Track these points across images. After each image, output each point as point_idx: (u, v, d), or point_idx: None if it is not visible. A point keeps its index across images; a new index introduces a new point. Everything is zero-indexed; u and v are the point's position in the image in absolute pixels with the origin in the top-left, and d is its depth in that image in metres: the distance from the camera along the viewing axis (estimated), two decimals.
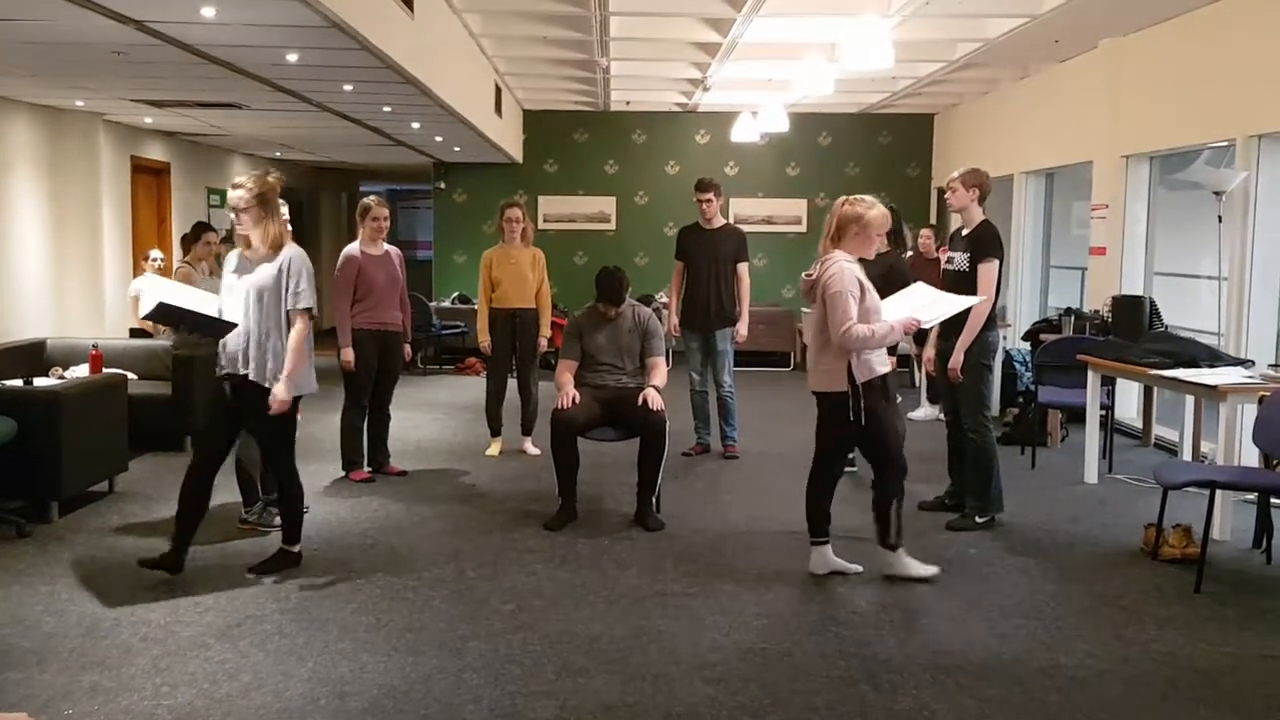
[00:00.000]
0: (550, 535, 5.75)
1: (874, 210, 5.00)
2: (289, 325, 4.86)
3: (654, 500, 6.04)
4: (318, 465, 7.27)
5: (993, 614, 4.64)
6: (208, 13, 5.49)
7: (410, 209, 20.64)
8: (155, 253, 9.12)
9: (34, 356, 7.42)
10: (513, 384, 7.73)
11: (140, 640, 4.20)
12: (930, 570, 5.04)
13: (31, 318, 9.08)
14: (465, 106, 9.48)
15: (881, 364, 4.99)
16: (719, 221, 7.83)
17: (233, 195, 4.90)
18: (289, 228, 5.89)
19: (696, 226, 7.88)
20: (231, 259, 5.05)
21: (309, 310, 4.88)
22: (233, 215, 4.93)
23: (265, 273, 4.87)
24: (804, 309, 12.98)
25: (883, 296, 6.84)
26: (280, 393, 4.82)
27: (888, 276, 6.90)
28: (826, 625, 4.48)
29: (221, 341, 4.92)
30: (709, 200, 7.73)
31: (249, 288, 4.87)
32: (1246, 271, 7.28)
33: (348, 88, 8.12)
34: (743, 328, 7.75)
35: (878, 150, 14.30)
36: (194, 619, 4.44)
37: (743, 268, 7.74)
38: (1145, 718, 3.70)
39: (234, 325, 4.85)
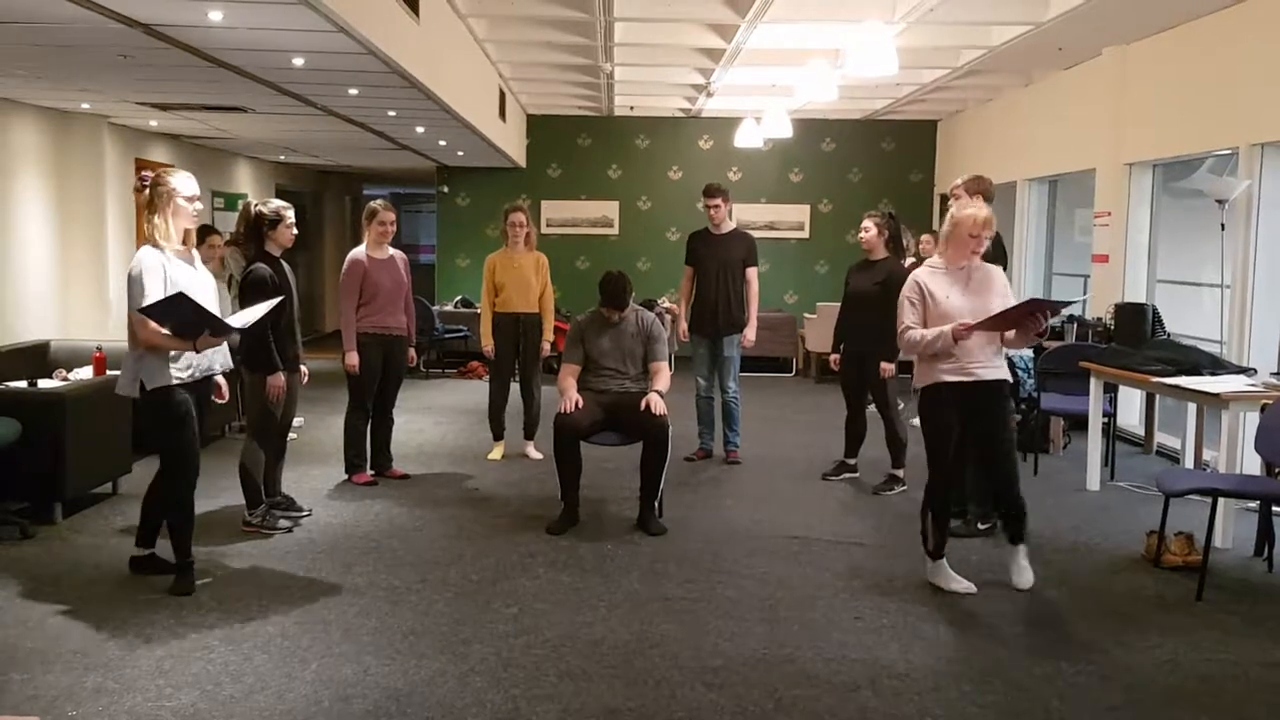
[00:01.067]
0: (553, 539, 5.76)
1: (965, 210, 4.89)
2: None
3: (656, 505, 6.04)
4: (321, 469, 7.29)
5: (994, 620, 4.64)
6: (215, 16, 5.51)
7: (413, 213, 20.68)
8: None
9: (38, 358, 7.44)
10: (515, 388, 7.75)
11: (144, 642, 4.21)
12: (963, 586, 4.97)
13: (35, 319, 9.09)
14: (469, 111, 9.50)
15: (953, 374, 4.85)
16: (728, 226, 7.83)
17: (196, 188, 4.81)
18: (294, 231, 5.94)
19: (705, 232, 7.88)
20: (166, 255, 4.67)
21: None
22: (196, 205, 4.76)
23: (205, 271, 4.91)
24: (807, 315, 13.00)
25: (879, 305, 6.90)
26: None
27: (886, 283, 6.93)
28: (829, 630, 4.48)
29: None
30: (716, 206, 7.73)
31: (211, 288, 4.84)
32: (1249, 279, 7.29)
33: (353, 92, 8.14)
34: (750, 333, 7.75)
35: (881, 156, 14.32)
36: (197, 621, 4.45)
37: (751, 272, 7.74)
38: None
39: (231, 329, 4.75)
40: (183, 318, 4.53)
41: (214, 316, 4.61)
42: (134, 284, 4.58)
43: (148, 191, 4.73)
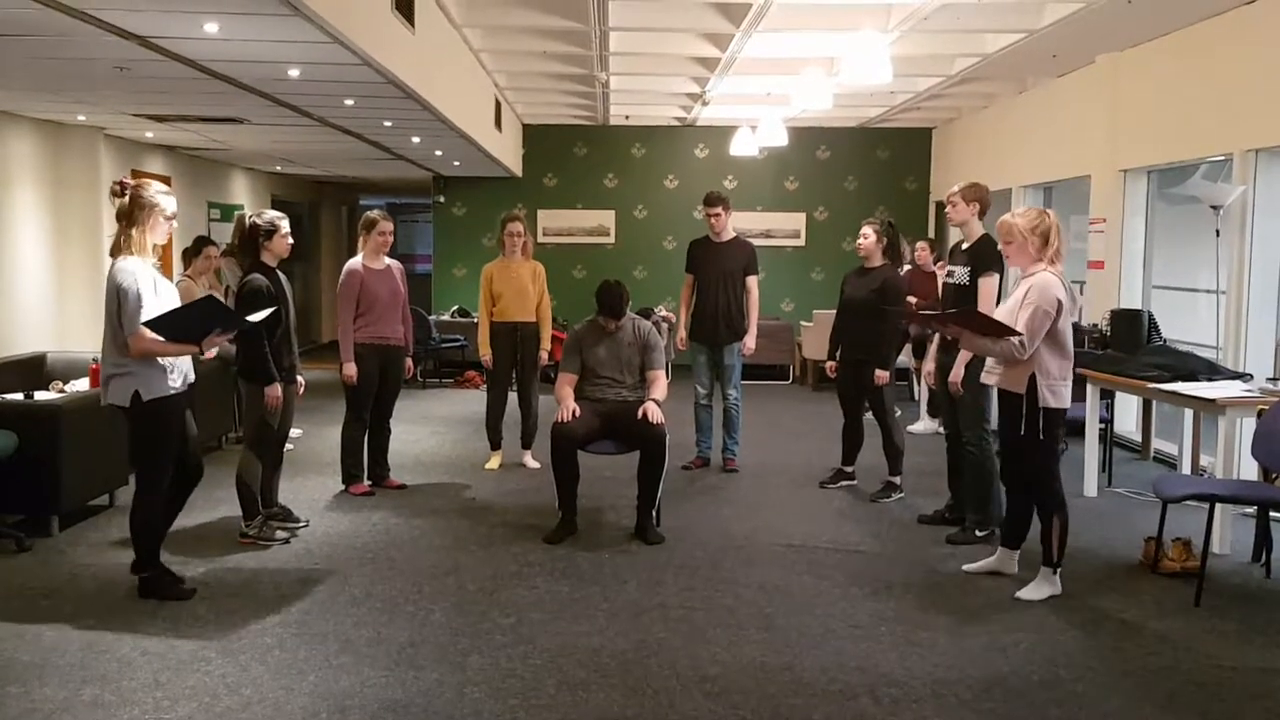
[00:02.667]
0: (550, 549, 5.75)
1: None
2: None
3: (654, 514, 6.04)
4: (318, 479, 7.29)
5: (992, 628, 4.64)
6: (211, 28, 5.52)
7: (409, 223, 20.68)
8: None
9: (34, 370, 7.42)
10: (512, 397, 7.75)
11: (140, 654, 4.20)
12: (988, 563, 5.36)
13: (32, 331, 9.09)
14: (465, 121, 9.52)
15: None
16: (729, 235, 7.83)
17: (175, 206, 4.83)
18: (289, 241, 5.94)
19: (706, 240, 7.88)
20: (146, 267, 4.70)
21: None
22: (173, 223, 4.79)
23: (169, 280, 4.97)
24: (804, 322, 13.00)
25: (878, 311, 6.91)
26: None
27: (882, 290, 6.95)
28: (827, 639, 4.48)
29: (180, 359, 4.77)
30: (717, 214, 7.73)
31: (176, 298, 4.86)
32: (1244, 285, 7.30)
33: (349, 102, 8.15)
34: (750, 340, 7.75)
35: (876, 164, 14.35)
36: (194, 633, 4.44)
37: (752, 281, 7.74)
38: None
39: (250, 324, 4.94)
40: (196, 325, 4.61)
41: (230, 312, 4.75)
42: (128, 296, 4.55)
43: (128, 202, 4.68)
